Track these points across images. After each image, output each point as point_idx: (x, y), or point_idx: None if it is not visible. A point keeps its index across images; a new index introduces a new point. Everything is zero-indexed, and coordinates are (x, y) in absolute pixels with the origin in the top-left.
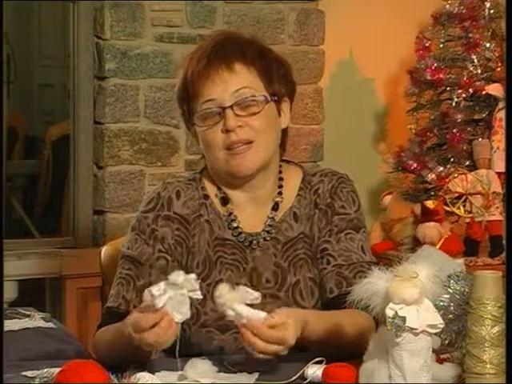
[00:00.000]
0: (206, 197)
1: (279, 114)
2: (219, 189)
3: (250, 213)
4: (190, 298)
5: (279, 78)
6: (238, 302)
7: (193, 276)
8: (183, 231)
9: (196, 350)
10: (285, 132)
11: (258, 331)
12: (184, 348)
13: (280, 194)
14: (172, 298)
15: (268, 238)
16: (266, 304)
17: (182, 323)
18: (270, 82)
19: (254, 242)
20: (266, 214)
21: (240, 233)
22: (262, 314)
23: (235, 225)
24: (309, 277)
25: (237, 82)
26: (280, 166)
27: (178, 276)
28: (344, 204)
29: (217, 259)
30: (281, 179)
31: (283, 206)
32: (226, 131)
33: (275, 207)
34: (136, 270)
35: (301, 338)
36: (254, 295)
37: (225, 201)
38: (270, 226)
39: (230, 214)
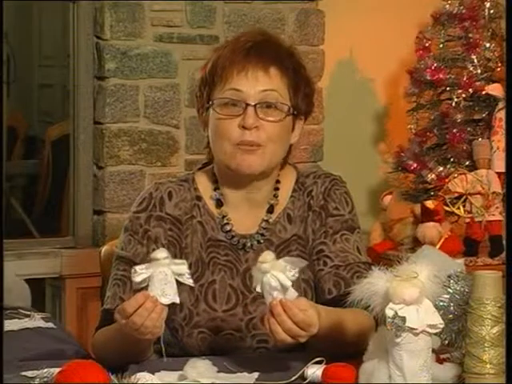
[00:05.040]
0: (199, 198)
1: (292, 129)
2: (215, 189)
3: (244, 214)
4: (180, 284)
5: (303, 96)
6: (282, 272)
7: (182, 260)
8: (176, 232)
9: (189, 351)
10: (290, 147)
11: (290, 310)
12: (177, 349)
13: (276, 196)
14: (154, 276)
15: (262, 240)
16: (260, 305)
17: (175, 324)
18: (295, 96)
19: (248, 243)
20: (260, 216)
21: (233, 236)
22: (296, 294)
23: (228, 228)
24: (302, 278)
25: (267, 83)
26: None
27: (160, 252)
28: (337, 206)
29: (210, 260)
30: (278, 182)
31: (277, 208)
32: (243, 127)
33: (270, 209)
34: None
35: None
36: (293, 272)
37: (219, 202)
38: (264, 228)
39: (224, 216)
